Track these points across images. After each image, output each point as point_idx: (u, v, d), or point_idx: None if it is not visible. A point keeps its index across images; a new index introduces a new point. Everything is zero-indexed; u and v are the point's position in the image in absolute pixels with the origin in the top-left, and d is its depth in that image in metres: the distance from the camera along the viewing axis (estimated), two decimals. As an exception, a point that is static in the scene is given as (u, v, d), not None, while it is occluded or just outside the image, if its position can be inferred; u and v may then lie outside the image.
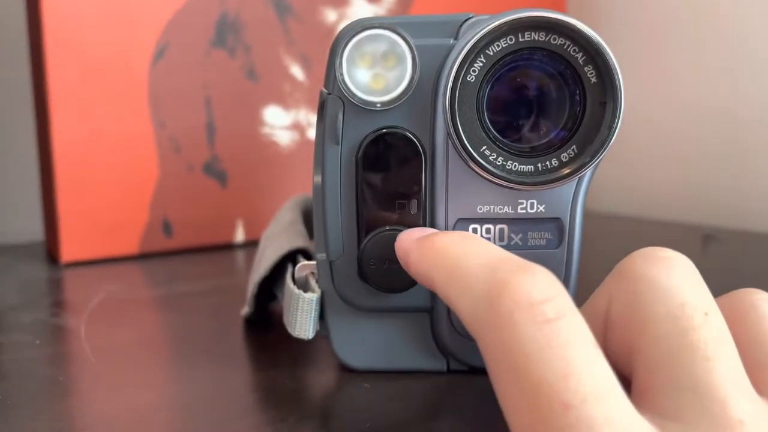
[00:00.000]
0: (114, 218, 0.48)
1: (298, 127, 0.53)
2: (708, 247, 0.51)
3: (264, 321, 0.33)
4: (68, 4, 0.45)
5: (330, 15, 0.53)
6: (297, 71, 0.52)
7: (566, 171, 0.24)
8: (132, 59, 0.48)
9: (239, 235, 0.52)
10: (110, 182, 0.48)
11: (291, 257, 0.30)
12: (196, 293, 0.40)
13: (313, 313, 0.26)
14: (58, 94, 0.45)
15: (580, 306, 0.19)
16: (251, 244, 0.51)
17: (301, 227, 0.33)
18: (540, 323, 0.16)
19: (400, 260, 0.23)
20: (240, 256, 0.50)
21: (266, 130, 0.52)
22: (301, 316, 0.26)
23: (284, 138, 0.53)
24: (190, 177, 0.50)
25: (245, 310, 0.32)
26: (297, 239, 0.31)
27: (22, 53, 0.54)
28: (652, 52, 0.63)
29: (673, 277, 0.18)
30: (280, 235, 0.32)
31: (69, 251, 0.47)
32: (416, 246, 0.22)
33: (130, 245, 0.49)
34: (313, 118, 0.54)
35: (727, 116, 0.58)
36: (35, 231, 0.55)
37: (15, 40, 0.54)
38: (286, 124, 0.53)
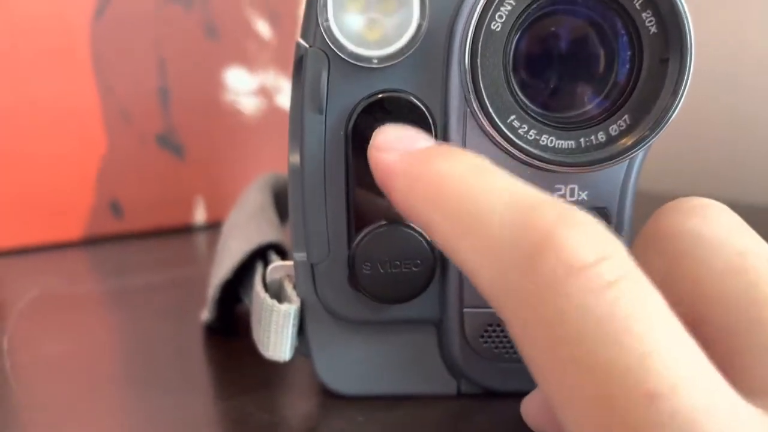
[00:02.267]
0: (54, 198, 0.42)
1: (265, 93, 0.47)
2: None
3: (229, 328, 0.27)
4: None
5: (300, -36, 0.47)
6: (263, 28, 0.46)
7: (618, 148, 0.19)
8: (70, 13, 0.41)
9: (199, 216, 0.46)
10: (48, 157, 0.42)
11: (261, 253, 0.25)
12: (150, 287, 0.34)
13: (290, 328, 0.21)
14: (-19, 53, 0.39)
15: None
16: (213, 226, 0.46)
17: (272, 214, 0.27)
18: (598, 289, 0.12)
19: (376, 178, 0.16)
20: (201, 239, 0.45)
21: (229, 95, 0.46)
22: (276, 333, 0.20)
23: (249, 105, 0.47)
24: (142, 150, 0.44)
25: (205, 315, 0.26)
26: (268, 230, 0.25)
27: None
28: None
29: (719, 226, 0.15)
30: (247, 224, 0.26)
31: None
32: (404, 169, 0.16)
33: (73, 229, 0.43)
34: (283, 82, 0.48)
35: (727, 85, 0.54)
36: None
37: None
38: (251, 88, 0.47)
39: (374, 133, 0.17)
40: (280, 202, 0.31)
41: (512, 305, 0.13)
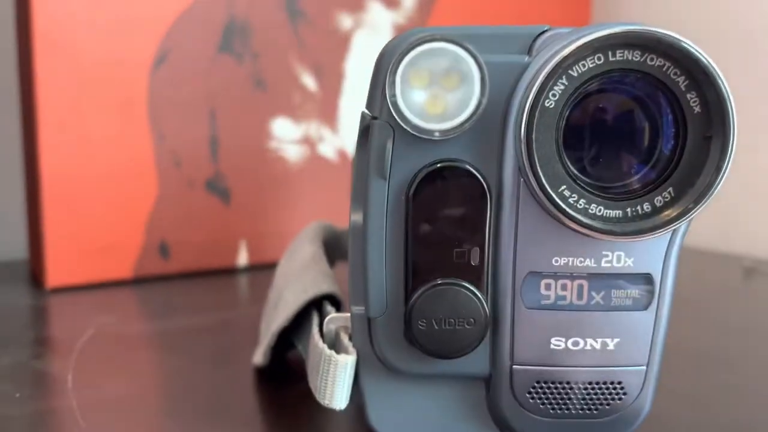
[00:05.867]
0: (106, 239, 0.44)
1: (308, 142, 0.49)
2: (750, 280, 0.47)
3: (281, 373, 0.28)
4: (61, 4, 0.41)
5: (345, 21, 0.49)
6: (309, 80, 0.48)
7: (663, 219, 0.20)
8: (130, 66, 0.44)
9: (242, 258, 0.48)
10: (103, 199, 0.43)
11: (315, 302, 0.26)
12: (197, 329, 0.36)
13: (347, 379, 0.22)
14: (47, 101, 0.41)
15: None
16: (255, 269, 0.47)
17: (325, 266, 0.28)
18: None
19: None
20: (243, 282, 0.46)
21: (274, 144, 0.48)
22: (333, 382, 0.22)
23: (293, 153, 0.49)
24: (190, 194, 0.46)
25: (258, 359, 0.28)
26: (322, 282, 0.26)
27: (10, 57, 0.50)
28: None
29: None
30: (302, 275, 0.27)
31: (56, 275, 0.42)
32: None
33: (123, 269, 0.44)
34: (325, 131, 0.50)
35: None
36: (18, 247, 0.51)
37: (2, 43, 0.50)
38: (295, 137, 0.49)
39: None
40: (331, 250, 0.33)
41: None
